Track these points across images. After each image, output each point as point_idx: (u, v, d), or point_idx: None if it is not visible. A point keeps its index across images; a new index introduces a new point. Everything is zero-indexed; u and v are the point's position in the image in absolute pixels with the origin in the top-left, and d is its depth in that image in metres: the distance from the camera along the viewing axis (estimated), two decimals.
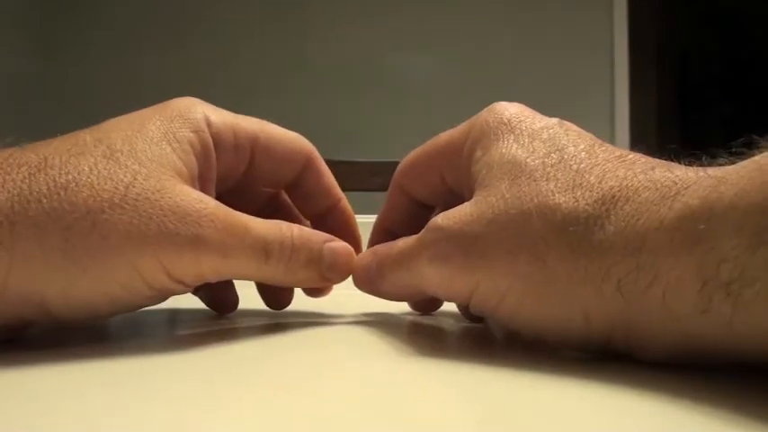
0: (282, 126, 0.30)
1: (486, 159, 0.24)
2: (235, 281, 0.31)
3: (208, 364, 0.22)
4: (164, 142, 0.24)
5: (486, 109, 0.26)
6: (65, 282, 0.22)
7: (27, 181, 0.22)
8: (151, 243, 0.22)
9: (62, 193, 0.22)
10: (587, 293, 0.20)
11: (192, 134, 0.25)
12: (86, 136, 0.24)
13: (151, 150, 0.24)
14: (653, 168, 0.21)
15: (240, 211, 0.25)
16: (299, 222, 0.31)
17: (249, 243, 0.24)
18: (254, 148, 0.28)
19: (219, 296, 0.31)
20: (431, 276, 0.24)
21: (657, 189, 0.20)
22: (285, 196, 0.31)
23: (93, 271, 0.22)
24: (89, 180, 0.22)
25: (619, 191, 0.20)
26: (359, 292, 0.28)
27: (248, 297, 0.32)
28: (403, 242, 0.25)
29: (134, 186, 0.22)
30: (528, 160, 0.23)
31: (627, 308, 0.19)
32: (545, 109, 0.25)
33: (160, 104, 0.26)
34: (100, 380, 0.19)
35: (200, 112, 0.26)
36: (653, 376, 0.19)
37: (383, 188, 0.31)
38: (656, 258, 0.19)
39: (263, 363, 0.22)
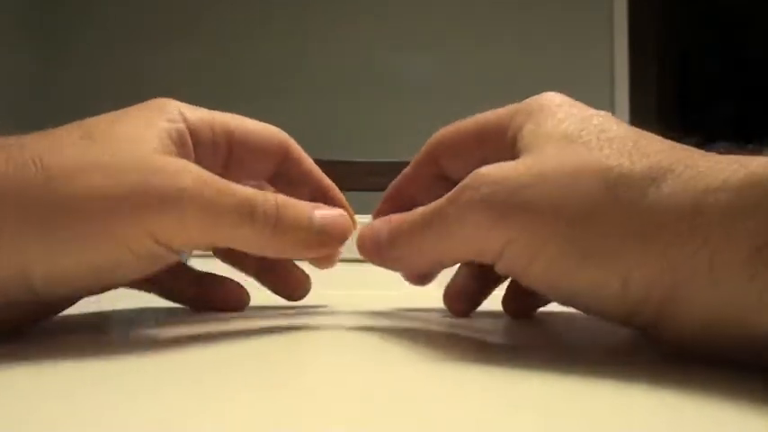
0: (281, 126, 0.30)
1: (538, 131, 0.24)
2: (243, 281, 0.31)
3: (197, 364, 0.21)
4: (141, 127, 0.25)
5: (535, 96, 0.26)
6: (47, 254, 0.22)
7: (4, 157, 0.22)
8: (133, 203, 0.22)
9: (38, 162, 0.22)
10: (631, 255, 0.20)
11: (168, 123, 0.26)
12: (63, 131, 0.24)
13: (129, 132, 0.24)
14: (712, 154, 0.21)
15: None
16: None
17: (234, 202, 0.23)
18: (230, 143, 0.28)
19: (221, 294, 0.31)
20: (465, 224, 0.22)
21: (718, 162, 0.20)
22: (268, 186, 0.31)
23: (75, 239, 0.22)
24: (68, 152, 0.22)
25: (676, 161, 0.20)
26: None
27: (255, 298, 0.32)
28: (426, 206, 0.24)
29: (114, 156, 0.23)
30: (582, 133, 0.23)
31: (670, 272, 0.19)
32: None
33: (138, 104, 0.27)
34: (88, 379, 0.19)
35: (175, 107, 0.27)
36: (694, 373, 0.19)
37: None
38: (710, 222, 0.18)
39: (251, 363, 0.22)
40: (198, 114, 0.27)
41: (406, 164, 0.31)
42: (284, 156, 0.29)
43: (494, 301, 0.30)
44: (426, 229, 0.24)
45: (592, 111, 0.25)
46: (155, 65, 2.58)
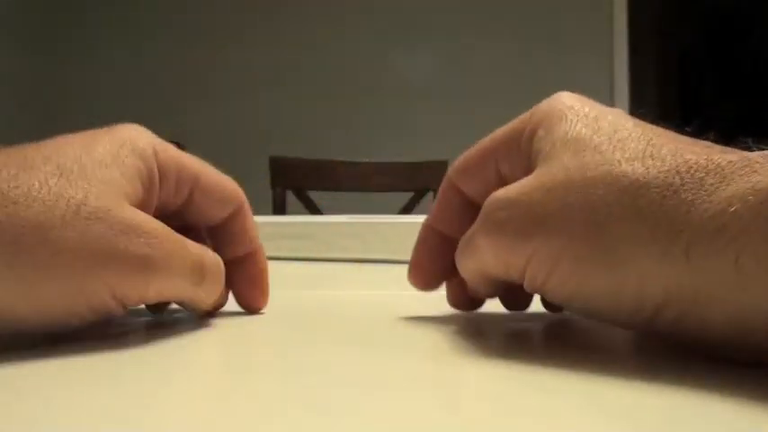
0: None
1: (549, 137, 0.24)
2: None
3: (200, 366, 0.21)
4: (113, 166, 0.25)
5: (548, 98, 0.26)
6: (7, 297, 0.21)
7: None
8: (101, 262, 0.22)
9: (11, 207, 0.22)
10: (647, 257, 0.19)
11: (139, 162, 0.26)
12: (34, 152, 0.24)
13: (101, 172, 0.24)
14: (733, 151, 0.20)
15: None
16: None
17: (189, 264, 0.25)
18: (193, 188, 0.29)
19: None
20: (487, 248, 0.23)
21: (746, 165, 0.19)
22: (204, 234, 0.31)
23: (39, 289, 0.22)
24: (40, 195, 0.22)
25: (696, 164, 0.20)
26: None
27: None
28: (462, 237, 0.26)
29: (86, 205, 0.23)
30: (594, 136, 0.23)
31: (690, 273, 0.19)
32: None
33: (108, 128, 0.26)
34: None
35: (148, 142, 0.27)
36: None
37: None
38: (740, 222, 0.18)
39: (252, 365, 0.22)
40: (169, 154, 0.27)
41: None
42: (235, 212, 0.30)
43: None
44: (463, 249, 0.26)
45: (607, 109, 0.24)
46: (151, 65, 2.58)
